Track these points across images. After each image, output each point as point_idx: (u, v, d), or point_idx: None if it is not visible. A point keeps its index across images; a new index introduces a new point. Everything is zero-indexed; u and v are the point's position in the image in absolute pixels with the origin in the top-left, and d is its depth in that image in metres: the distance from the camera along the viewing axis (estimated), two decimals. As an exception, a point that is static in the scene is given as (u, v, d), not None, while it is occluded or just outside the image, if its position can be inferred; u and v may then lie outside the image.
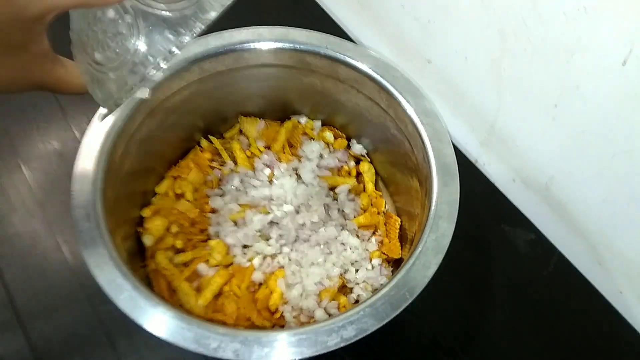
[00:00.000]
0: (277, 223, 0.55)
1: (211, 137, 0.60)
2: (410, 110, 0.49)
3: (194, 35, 0.29)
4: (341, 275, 0.52)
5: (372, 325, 0.38)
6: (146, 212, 0.53)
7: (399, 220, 0.54)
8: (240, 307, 0.49)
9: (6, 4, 0.27)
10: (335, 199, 0.58)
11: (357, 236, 0.55)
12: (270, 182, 0.57)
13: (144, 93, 0.33)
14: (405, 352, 0.52)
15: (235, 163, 0.59)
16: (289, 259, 0.53)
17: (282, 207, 0.55)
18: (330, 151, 0.60)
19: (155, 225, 0.52)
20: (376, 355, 0.52)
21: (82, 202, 0.43)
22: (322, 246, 0.53)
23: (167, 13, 0.29)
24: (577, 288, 0.57)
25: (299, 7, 0.78)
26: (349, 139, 0.62)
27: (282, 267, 0.52)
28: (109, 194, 0.45)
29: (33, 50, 0.30)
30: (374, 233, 0.56)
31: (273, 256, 0.53)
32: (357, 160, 0.61)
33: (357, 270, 0.53)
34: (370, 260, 0.53)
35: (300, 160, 0.59)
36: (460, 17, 0.54)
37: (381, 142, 0.58)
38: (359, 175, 0.60)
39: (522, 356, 0.53)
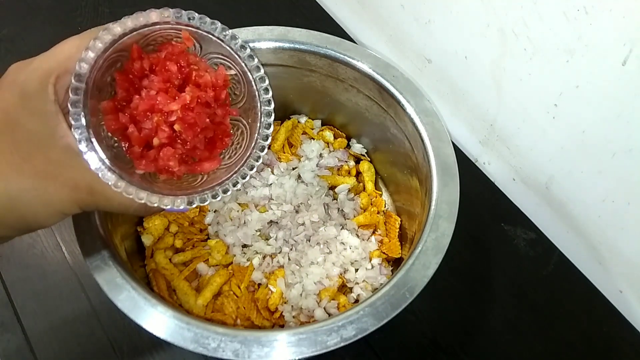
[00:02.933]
0: (276, 222, 0.55)
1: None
2: (410, 110, 0.49)
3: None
4: (341, 274, 0.52)
5: (372, 325, 0.38)
6: (146, 212, 0.53)
7: (399, 219, 0.54)
8: (239, 307, 0.49)
9: (10, 85, 0.27)
10: (335, 198, 0.58)
11: (357, 235, 0.54)
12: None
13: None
14: (405, 352, 0.52)
15: (235, 163, 0.59)
16: (289, 259, 0.53)
17: (281, 206, 0.55)
18: (330, 150, 0.60)
19: (154, 225, 0.52)
20: (376, 355, 0.52)
21: (82, 201, 0.43)
22: (321, 246, 0.53)
23: None
24: (577, 287, 0.57)
25: (299, 7, 0.78)
26: (348, 139, 0.62)
27: (281, 266, 0.52)
28: (108, 193, 0.45)
29: (61, 144, 0.29)
30: (373, 232, 0.56)
31: (273, 256, 0.53)
32: (357, 160, 0.61)
33: (356, 270, 0.52)
34: (370, 260, 0.53)
35: (300, 160, 0.59)
36: (460, 17, 0.54)
37: (381, 142, 0.58)
38: (358, 174, 0.60)
39: (522, 356, 0.53)
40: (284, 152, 0.59)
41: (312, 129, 0.61)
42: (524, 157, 0.58)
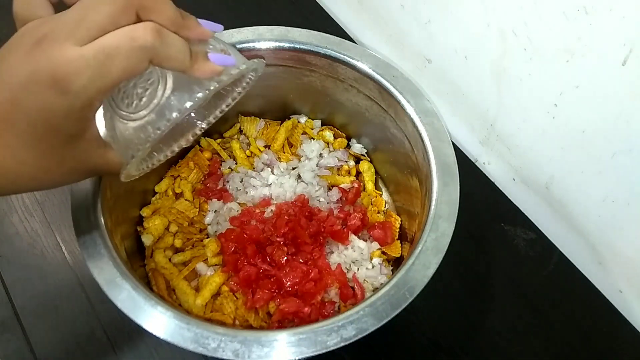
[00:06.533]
0: (276, 223, 0.55)
1: (209, 139, 0.60)
2: (410, 110, 0.49)
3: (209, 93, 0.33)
4: (341, 274, 0.52)
5: (372, 325, 0.38)
6: (145, 212, 0.53)
7: (399, 219, 0.54)
8: (238, 307, 0.49)
9: (60, 99, 0.29)
10: (335, 198, 0.58)
11: (357, 235, 0.54)
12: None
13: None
14: (405, 352, 0.52)
15: (235, 162, 0.59)
16: (289, 259, 0.52)
17: (281, 206, 0.55)
18: (330, 150, 0.60)
19: (154, 225, 0.52)
20: (376, 355, 0.52)
21: (82, 201, 0.43)
22: (321, 246, 0.53)
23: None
24: (577, 287, 0.57)
25: (299, 7, 0.78)
26: (348, 139, 0.62)
27: (281, 266, 0.52)
28: (108, 193, 0.45)
29: (87, 137, 0.34)
30: (373, 233, 0.56)
31: (273, 256, 0.53)
32: (357, 160, 0.61)
33: (357, 270, 0.52)
34: (371, 260, 0.53)
35: (300, 160, 0.59)
36: (460, 17, 0.54)
37: (381, 142, 0.58)
38: (358, 174, 0.60)
39: (522, 356, 0.53)
40: (284, 152, 0.59)
41: (312, 129, 0.61)
42: (524, 157, 0.58)
